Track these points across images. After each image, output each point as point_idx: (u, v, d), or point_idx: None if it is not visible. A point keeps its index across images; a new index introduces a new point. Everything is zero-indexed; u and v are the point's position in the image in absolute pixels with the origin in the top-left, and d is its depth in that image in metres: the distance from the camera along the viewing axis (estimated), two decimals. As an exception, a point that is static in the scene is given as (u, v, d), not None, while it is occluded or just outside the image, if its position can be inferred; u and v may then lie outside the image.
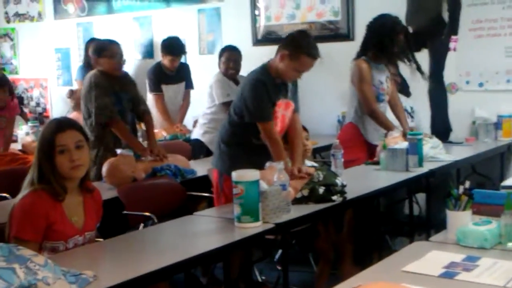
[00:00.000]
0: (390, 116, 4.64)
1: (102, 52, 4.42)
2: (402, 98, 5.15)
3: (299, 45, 3.49)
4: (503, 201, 2.52)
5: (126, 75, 4.62)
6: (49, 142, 2.65)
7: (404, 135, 4.32)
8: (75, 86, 6.78)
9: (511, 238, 2.49)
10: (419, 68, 4.69)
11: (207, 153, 5.29)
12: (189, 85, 6.22)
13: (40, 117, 7.96)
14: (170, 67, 6.01)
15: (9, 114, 5.60)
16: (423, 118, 5.38)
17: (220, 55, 5.61)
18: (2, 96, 5.35)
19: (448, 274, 2.24)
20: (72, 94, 6.42)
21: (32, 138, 6.08)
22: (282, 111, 3.59)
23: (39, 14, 8.13)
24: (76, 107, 5.98)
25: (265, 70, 3.58)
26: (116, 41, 4.62)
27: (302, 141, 3.85)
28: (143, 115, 4.62)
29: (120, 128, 4.35)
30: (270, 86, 3.51)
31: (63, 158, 2.64)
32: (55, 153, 2.63)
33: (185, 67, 6.27)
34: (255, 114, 3.50)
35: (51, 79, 8.12)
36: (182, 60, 6.34)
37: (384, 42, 4.38)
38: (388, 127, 4.40)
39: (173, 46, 6.03)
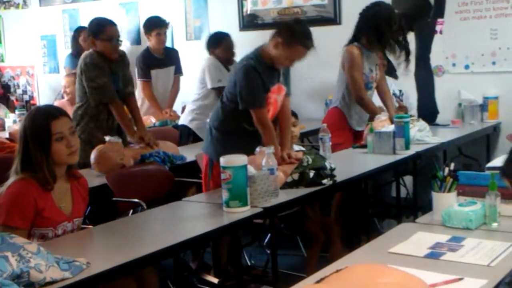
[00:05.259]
0: (377, 102, 4.66)
1: (99, 35, 4.32)
2: (391, 81, 5.18)
3: (294, 35, 3.46)
4: (487, 182, 2.56)
5: (122, 55, 4.52)
6: (45, 130, 2.64)
7: (391, 120, 4.35)
8: (63, 73, 6.73)
9: (495, 219, 2.54)
10: (407, 54, 4.67)
11: (194, 139, 5.28)
12: (178, 71, 6.14)
13: (27, 105, 7.92)
14: (158, 44, 5.89)
15: None
16: (411, 101, 5.41)
17: (219, 42, 5.45)
18: None
19: (434, 254, 2.28)
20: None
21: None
22: (275, 96, 3.59)
23: (24, 1, 8.05)
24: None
25: (258, 55, 3.54)
26: (113, 21, 4.52)
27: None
28: (128, 96, 4.54)
29: (119, 109, 4.32)
30: (263, 73, 3.48)
31: (61, 145, 2.66)
32: (52, 141, 2.64)
33: (174, 52, 6.22)
34: (248, 101, 3.49)
35: (37, 67, 8.07)
36: (169, 45, 6.32)
37: (382, 28, 4.35)
38: (375, 113, 4.43)
39: (155, 19, 6.00)
